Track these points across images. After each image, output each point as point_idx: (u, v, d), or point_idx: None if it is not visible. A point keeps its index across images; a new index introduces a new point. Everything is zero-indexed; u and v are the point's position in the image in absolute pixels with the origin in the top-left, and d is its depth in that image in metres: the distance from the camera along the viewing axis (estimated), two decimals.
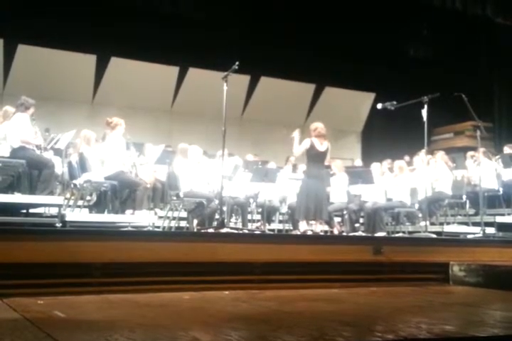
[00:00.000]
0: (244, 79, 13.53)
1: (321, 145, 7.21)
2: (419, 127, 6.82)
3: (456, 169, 9.11)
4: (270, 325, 2.77)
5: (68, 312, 3.00)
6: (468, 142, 13.23)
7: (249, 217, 8.85)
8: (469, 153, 9.50)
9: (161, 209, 8.33)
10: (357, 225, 8.92)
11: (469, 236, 7.05)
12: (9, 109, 6.74)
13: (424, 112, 6.71)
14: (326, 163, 7.70)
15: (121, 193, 6.81)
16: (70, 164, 7.33)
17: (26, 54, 11.65)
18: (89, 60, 12.33)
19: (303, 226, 7.36)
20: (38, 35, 10.97)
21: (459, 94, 6.84)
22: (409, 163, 9.40)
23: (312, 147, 7.18)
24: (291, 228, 8.80)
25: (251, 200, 8.97)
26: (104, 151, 6.87)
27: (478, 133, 7.74)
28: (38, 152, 6.55)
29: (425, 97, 6.73)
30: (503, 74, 13.37)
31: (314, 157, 7.24)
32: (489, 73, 13.83)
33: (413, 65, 13.40)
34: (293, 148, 7.28)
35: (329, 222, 8.64)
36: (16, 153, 6.27)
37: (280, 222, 9.45)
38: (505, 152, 9.66)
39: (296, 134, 7.21)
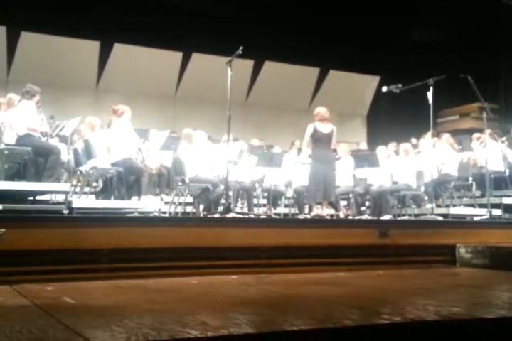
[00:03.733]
0: (249, 64, 13.47)
1: (325, 128, 7.23)
2: (424, 110, 6.79)
3: (462, 151, 9.08)
4: (277, 308, 2.78)
5: (77, 298, 3.02)
6: (474, 124, 13.16)
7: (254, 201, 8.85)
8: (475, 135, 9.46)
9: (167, 194, 8.34)
10: (363, 208, 8.92)
11: (476, 218, 7.05)
12: (13, 96, 6.74)
13: (430, 94, 6.67)
14: (333, 147, 7.70)
15: (127, 179, 6.82)
16: (75, 151, 7.34)
17: (30, 41, 11.62)
18: (93, 47, 12.28)
19: (314, 211, 7.37)
20: (41, 22, 10.93)
21: (464, 76, 6.79)
22: (415, 146, 9.36)
23: (316, 130, 7.23)
24: (297, 212, 8.82)
25: (256, 185, 8.97)
26: (111, 138, 6.87)
27: (484, 114, 7.70)
28: (43, 139, 6.56)
29: (430, 80, 6.70)
30: (509, 55, 13.24)
31: (319, 140, 7.25)
32: (495, 54, 13.70)
33: (418, 48, 13.29)
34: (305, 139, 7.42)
35: (335, 206, 8.64)
36: (21, 140, 6.28)
37: (286, 206, 9.46)
38: None
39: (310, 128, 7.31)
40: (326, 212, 7.58)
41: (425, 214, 7.19)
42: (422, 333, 2.38)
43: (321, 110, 7.36)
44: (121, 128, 6.82)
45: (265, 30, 11.90)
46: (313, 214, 7.36)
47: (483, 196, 8.38)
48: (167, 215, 7.18)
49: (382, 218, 7.78)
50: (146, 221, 4.83)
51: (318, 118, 7.30)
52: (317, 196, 7.25)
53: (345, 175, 8.88)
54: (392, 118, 14.02)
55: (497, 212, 7.45)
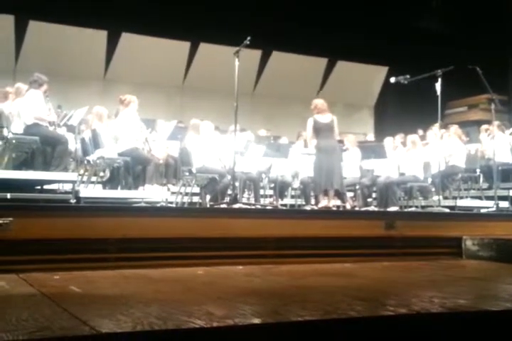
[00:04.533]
0: (256, 54, 13.41)
1: (323, 117, 7.30)
2: (432, 101, 6.76)
3: (470, 143, 9.04)
4: (283, 299, 2.79)
5: (84, 287, 3.03)
6: (482, 115, 13.10)
7: (261, 192, 8.86)
8: (483, 127, 9.40)
9: (174, 185, 8.35)
10: (369, 200, 8.92)
11: (482, 211, 7.03)
12: (21, 86, 6.75)
13: (438, 86, 6.65)
14: (337, 138, 7.71)
15: (134, 169, 6.84)
16: (82, 140, 7.36)
17: (38, 30, 11.61)
18: (101, 36, 12.26)
19: (321, 202, 7.37)
20: (49, 11, 10.90)
21: (473, 67, 6.74)
22: (423, 137, 9.33)
23: (316, 122, 7.32)
24: (304, 203, 8.82)
25: (263, 175, 8.98)
26: (118, 128, 6.88)
27: (493, 106, 7.65)
28: (51, 128, 6.57)
29: (439, 71, 6.67)
30: None
31: (320, 130, 7.34)
32: (504, 45, 13.59)
33: (426, 38, 13.19)
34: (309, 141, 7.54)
35: (342, 197, 8.64)
36: (29, 129, 6.30)
37: (292, 197, 9.46)
38: None
39: (310, 122, 7.39)
40: (333, 203, 7.58)
41: (432, 206, 7.18)
42: (427, 325, 2.38)
43: (317, 103, 7.45)
44: (128, 118, 6.82)
45: (273, 21, 11.83)
46: (320, 205, 7.36)
47: (490, 188, 8.35)
48: (174, 205, 7.19)
49: (388, 210, 7.77)
50: (153, 211, 4.84)
51: (316, 111, 7.41)
52: (322, 185, 7.27)
53: (352, 166, 8.87)
54: (400, 110, 13.96)
55: (504, 204, 7.44)
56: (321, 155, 7.36)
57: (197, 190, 7.76)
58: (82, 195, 6.06)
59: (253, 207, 6.59)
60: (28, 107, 6.28)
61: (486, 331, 2.44)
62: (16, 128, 6.41)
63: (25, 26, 11.53)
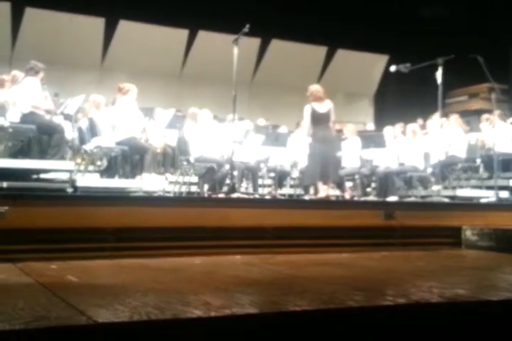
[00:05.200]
0: (255, 42, 13.34)
1: (321, 107, 7.18)
2: (433, 90, 6.74)
3: (471, 132, 9.02)
4: (281, 289, 2.78)
5: (81, 277, 3.03)
6: (483, 105, 13.07)
7: (259, 181, 8.84)
8: (484, 116, 9.37)
9: (172, 174, 8.33)
10: (369, 190, 8.92)
11: (482, 200, 7.03)
12: (17, 73, 6.70)
13: (439, 74, 6.62)
14: (332, 124, 7.63)
15: (132, 158, 6.81)
16: (79, 129, 7.32)
17: (34, 17, 11.53)
18: (98, 24, 12.18)
19: (320, 192, 7.35)
20: None
21: (474, 56, 6.71)
22: (423, 127, 9.30)
23: (313, 111, 7.19)
24: (303, 193, 8.81)
25: (262, 165, 8.96)
26: (115, 116, 6.84)
27: (494, 95, 7.65)
28: (47, 117, 6.53)
29: (439, 59, 6.63)
30: None
31: (317, 120, 7.22)
32: (505, 34, 13.52)
33: (427, 27, 13.12)
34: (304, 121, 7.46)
35: (341, 187, 8.63)
36: (25, 118, 6.26)
37: (291, 186, 9.45)
38: None
39: (307, 109, 7.26)
40: (331, 193, 7.56)
41: (431, 196, 7.17)
42: (426, 315, 2.38)
43: (313, 89, 7.27)
44: (126, 106, 6.78)
45: (272, 8, 11.76)
46: (319, 195, 7.34)
47: (490, 178, 8.34)
48: (172, 195, 7.18)
49: (388, 199, 7.76)
50: (150, 200, 4.84)
51: (312, 98, 7.22)
52: (315, 176, 7.22)
53: (352, 155, 8.85)
54: (400, 99, 13.92)
55: (504, 194, 7.44)
56: (316, 145, 7.25)
57: (195, 179, 7.75)
58: (79, 184, 6.03)
59: (251, 196, 6.58)
60: (25, 95, 6.24)
61: (485, 321, 2.43)
62: (12, 116, 6.37)
63: (22, 13, 11.45)
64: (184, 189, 7.58)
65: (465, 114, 10.64)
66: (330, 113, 7.24)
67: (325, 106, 7.20)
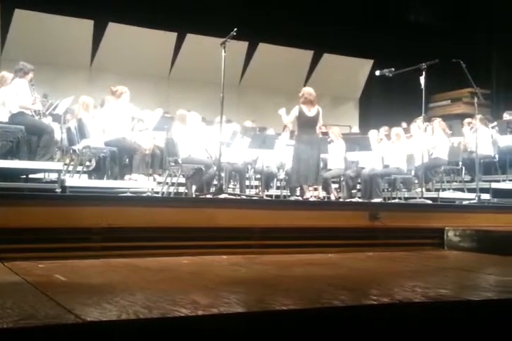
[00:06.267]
0: (243, 46, 13.36)
1: (310, 111, 7.23)
2: (416, 94, 6.80)
3: (453, 136, 9.11)
4: (268, 288, 2.82)
5: (69, 276, 3.04)
6: (465, 109, 13.21)
7: (247, 183, 8.88)
8: (466, 120, 9.48)
9: (160, 175, 8.34)
10: (354, 191, 8.96)
11: (464, 202, 7.11)
12: (6, 74, 6.67)
13: (422, 79, 6.68)
14: (319, 128, 7.71)
15: (121, 159, 6.81)
16: (68, 130, 7.31)
17: (23, 19, 11.46)
18: (87, 26, 12.15)
19: (306, 194, 7.40)
20: (35, 0, 10.77)
21: (457, 61, 6.79)
22: (407, 130, 9.38)
23: (301, 113, 7.23)
24: (289, 194, 8.85)
25: (249, 166, 8.99)
26: (105, 118, 6.83)
27: (476, 99, 7.73)
28: (36, 118, 6.52)
29: (423, 64, 6.69)
30: (502, 40, 13.22)
31: (304, 123, 7.26)
32: (488, 39, 13.68)
33: (412, 32, 13.26)
34: (283, 120, 7.55)
35: (327, 188, 8.68)
36: (14, 118, 6.24)
37: (278, 188, 9.49)
38: (504, 118, 9.66)
39: (282, 111, 7.42)
40: (316, 194, 7.63)
41: (415, 198, 7.24)
42: (409, 314, 2.42)
43: (305, 91, 7.33)
44: (118, 109, 6.77)
45: (260, 12, 11.82)
46: (305, 197, 7.40)
47: (472, 180, 8.43)
48: (160, 195, 7.20)
49: (372, 201, 7.83)
50: (138, 201, 4.84)
51: (303, 100, 7.27)
52: (299, 180, 7.27)
53: (337, 158, 8.91)
54: (385, 102, 14.03)
55: (486, 196, 7.52)
56: (301, 148, 7.29)
57: (183, 180, 7.77)
58: (67, 184, 6.02)
59: (238, 197, 6.61)
60: (13, 96, 6.22)
61: (467, 320, 2.48)
62: (0, 117, 6.35)
63: (11, 15, 11.38)
64: (172, 190, 7.60)
65: (448, 118, 10.72)
66: (318, 117, 7.29)
67: (313, 111, 7.24)
